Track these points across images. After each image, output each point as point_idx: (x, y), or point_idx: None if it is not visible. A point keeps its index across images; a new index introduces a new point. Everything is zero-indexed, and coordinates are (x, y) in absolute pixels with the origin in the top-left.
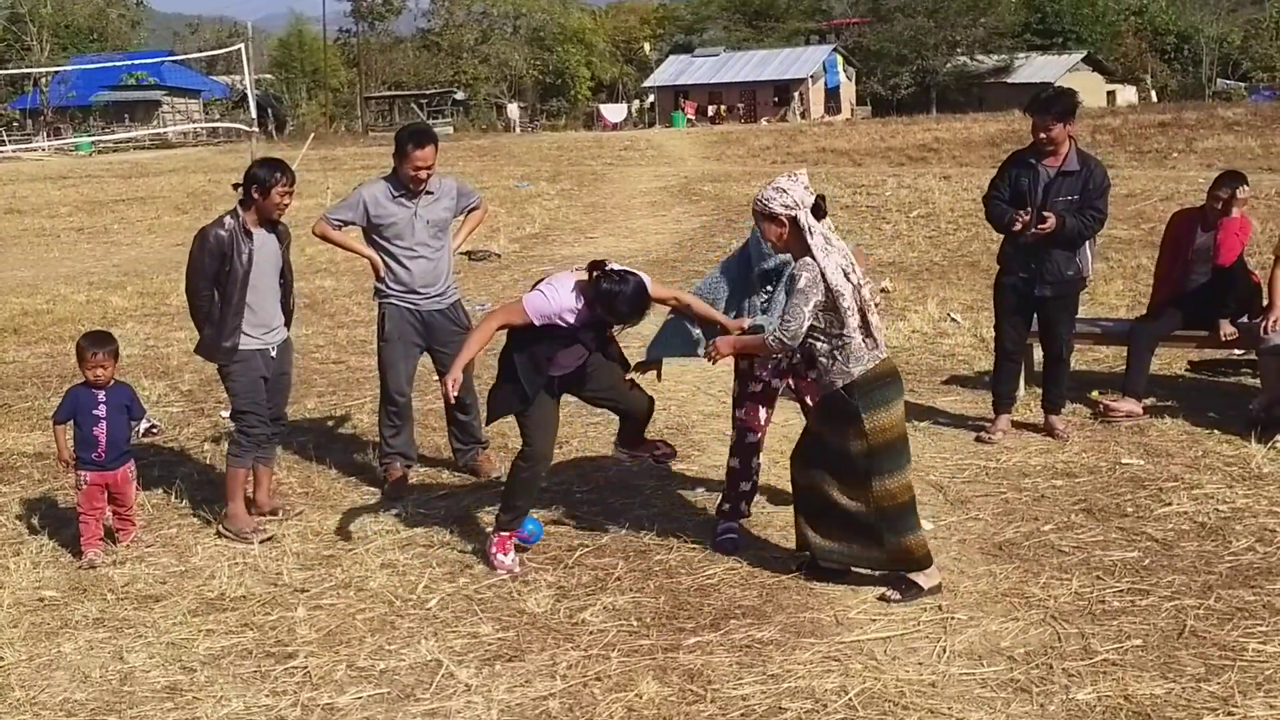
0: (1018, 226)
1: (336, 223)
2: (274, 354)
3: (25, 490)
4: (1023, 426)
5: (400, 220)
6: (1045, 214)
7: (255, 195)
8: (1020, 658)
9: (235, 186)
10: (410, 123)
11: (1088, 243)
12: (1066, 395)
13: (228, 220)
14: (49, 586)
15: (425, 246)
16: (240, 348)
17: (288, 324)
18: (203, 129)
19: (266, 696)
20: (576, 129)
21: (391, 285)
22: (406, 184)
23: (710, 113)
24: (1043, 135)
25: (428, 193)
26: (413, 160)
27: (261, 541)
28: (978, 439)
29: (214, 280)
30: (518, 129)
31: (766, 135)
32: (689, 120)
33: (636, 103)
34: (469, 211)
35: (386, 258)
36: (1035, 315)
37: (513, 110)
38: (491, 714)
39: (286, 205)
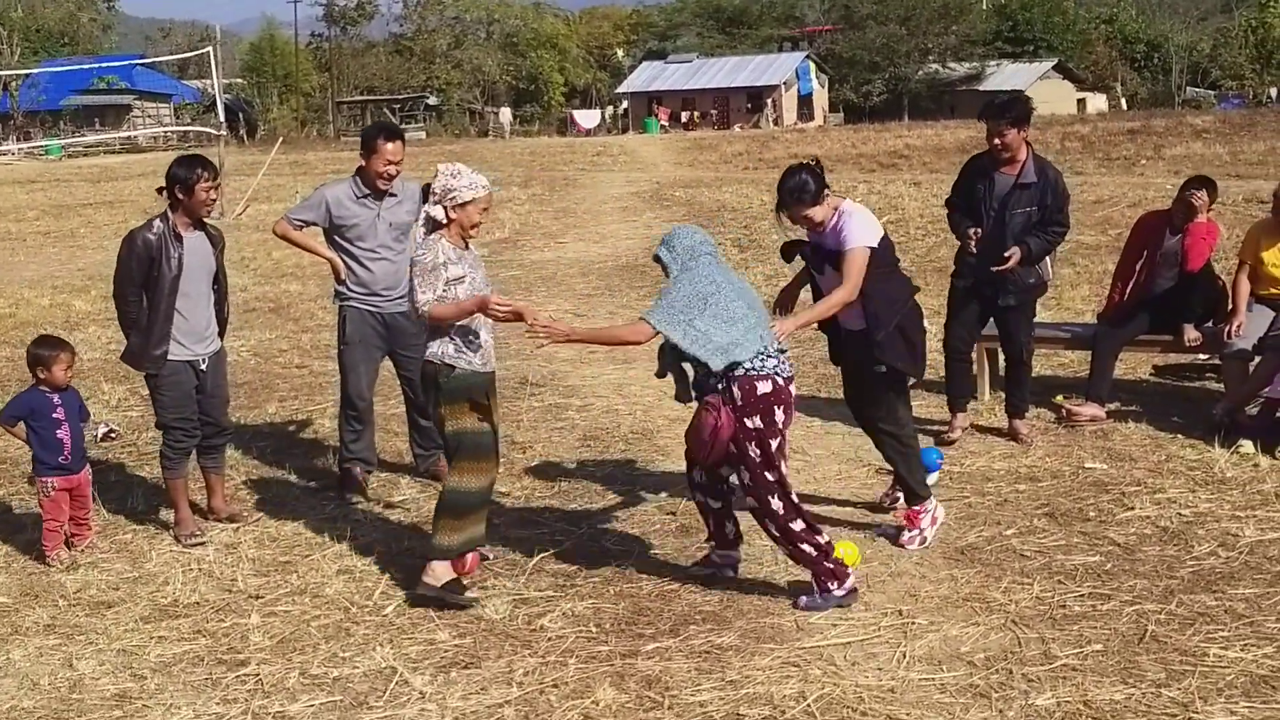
0: (971, 247)
1: (298, 223)
2: (204, 367)
3: None
4: (987, 431)
5: (363, 221)
6: (1009, 252)
7: (180, 195)
8: (980, 663)
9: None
10: (377, 121)
11: None
12: (1029, 399)
13: (157, 224)
14: (0, 593)
15: (387, 249)
16: (169, 358)
17: (221, 333)
18: (173, 133)
19: (217, 704)
20: (550, 134)
21: (353, 287)
22: (373, 182)
23: (683, 119)
24: (997, 141)
25: (390, 194)
26: (383, 155)
27: (189, 545)
28: (938, 441)
29: (142, 285)
30: (508, 133)
31: (739, 142)
32: (662, 126)
33: (610, 109)
34: None
35: (348, 259)
36: (992, 319)
37: (504, 115)
38: None
39: (213, 200)
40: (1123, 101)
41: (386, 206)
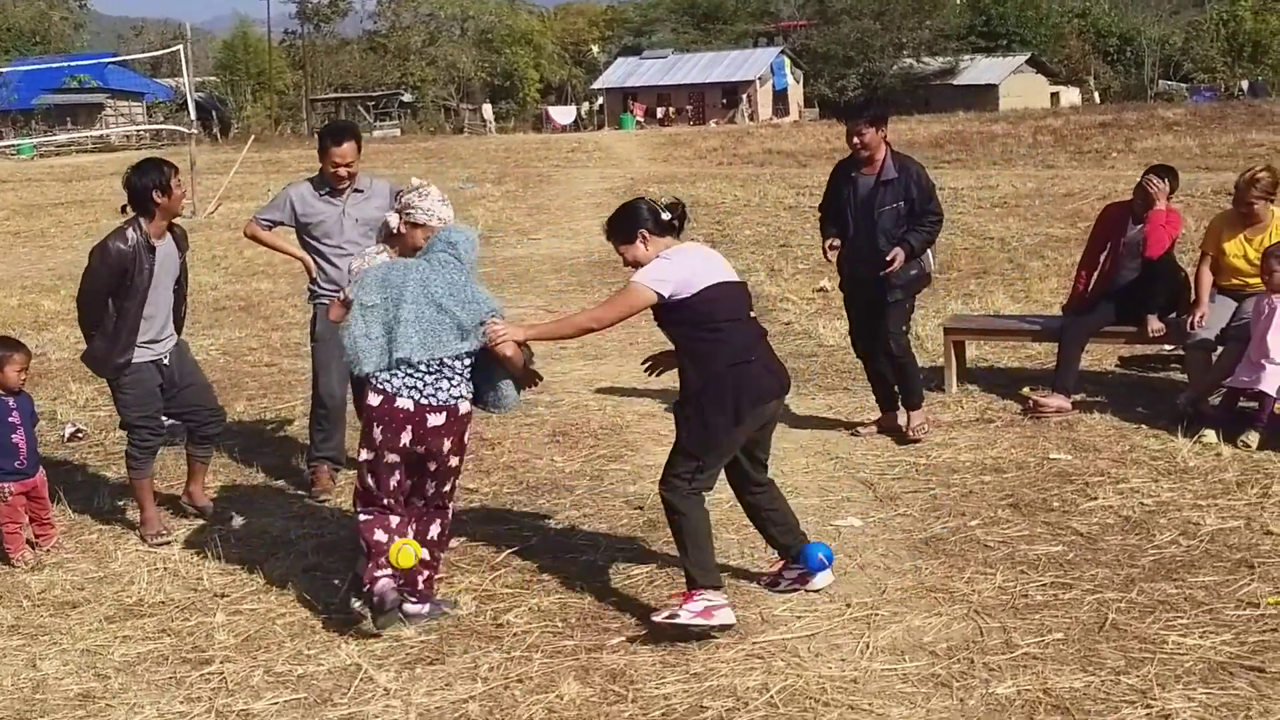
0: (830, 257)
1: (266, 223)
2: (167, 362)
3: None
4: (953, 424)
5: (328, 218)
6: (892, 254)
7: (159, 199)
8: (942, 652)
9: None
10: (331, 122)
11: None
12: (922, 390)
13: (130, 233)
14: None
15: (354, 245)
16: (133, 361)
17: (179, 329)
18: (145, 131)
19: (180, 703)
20: (525, 131)
21: (323, 285)
22: (330, 181)
23: (659, 115)
24: (856, 140)
25: (356, 190)
26: (331, 157)
27: (155, 545)
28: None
29: (111, 294)
30: (493, 130)
31: (714, 137)
32: (638, 122)
33: (585, 105)
34: None
35: (317, 257)
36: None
37: (487, 111)
38: (409, 717)
39: (183, 199)
40: (1095, 95)
41: (352, 203)
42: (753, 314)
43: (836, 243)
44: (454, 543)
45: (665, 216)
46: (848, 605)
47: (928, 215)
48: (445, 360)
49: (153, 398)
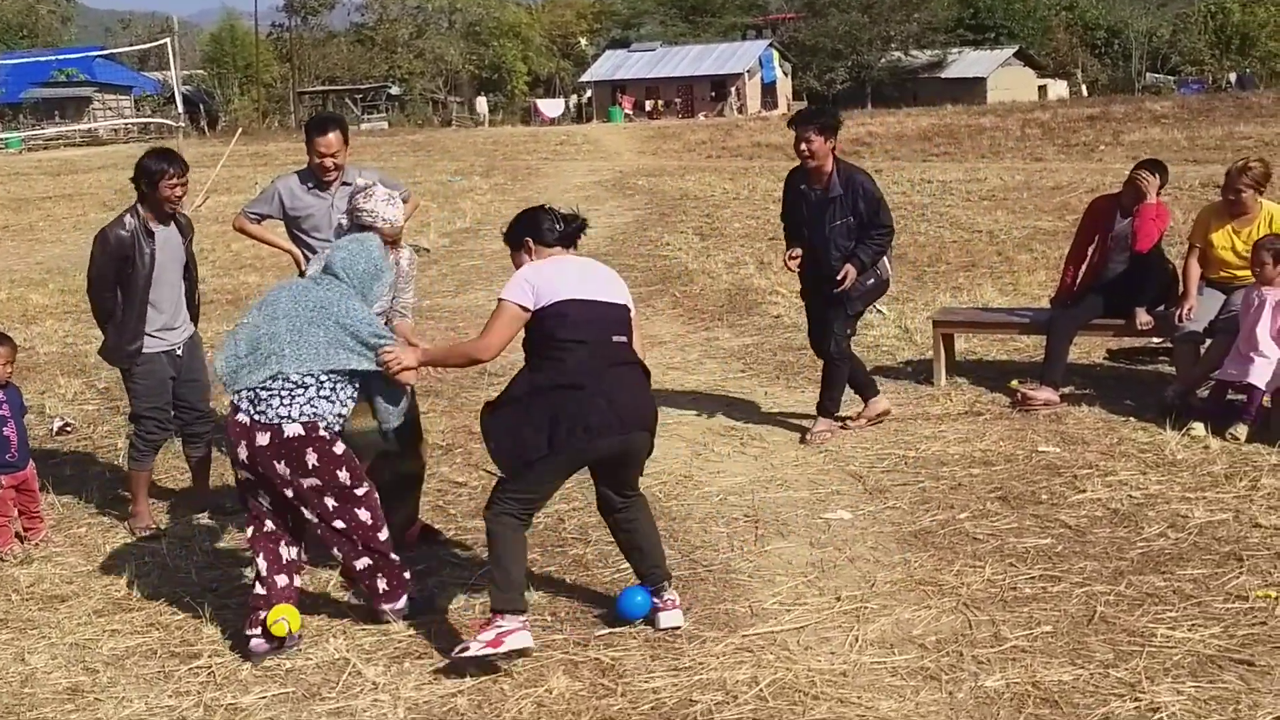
0: (791, 267)
1: (254, 216)
2: (180, 353)
3: None
4: (942, 417)
5: (317, 212)
6: (842, 273)
7: (144, 188)
8: (931, 646)
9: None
10: (316, 114)
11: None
12: (839, 401)
13: (128, 219)
14: None
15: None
16: (144, 350)
17: (195, 320)
18: (133, 125)
19: (169, 697)
20: (513, 124)
21: None
22: (317, 174)
23: (647, 108)
24: (803, 147)
25: (345, 184)
26: (316, 147)
27: (142, 537)
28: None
29: (116, 281)
30: (487, 123)
31: (703, 130)
32: (626, 115)
33: (574, 98)
34: None
35: (306, 250)
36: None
37: (481, 104)
38: (398, 712)
39: (178, 196)
40: (1083, 88)
41: (341, 196)
42: (620, 339)
43: (798, 253)
44: (444, 535)
45: (558, 228)
46: (837, 598)
47: (876, 229)
48: (290, 377)
49: (163, 388)
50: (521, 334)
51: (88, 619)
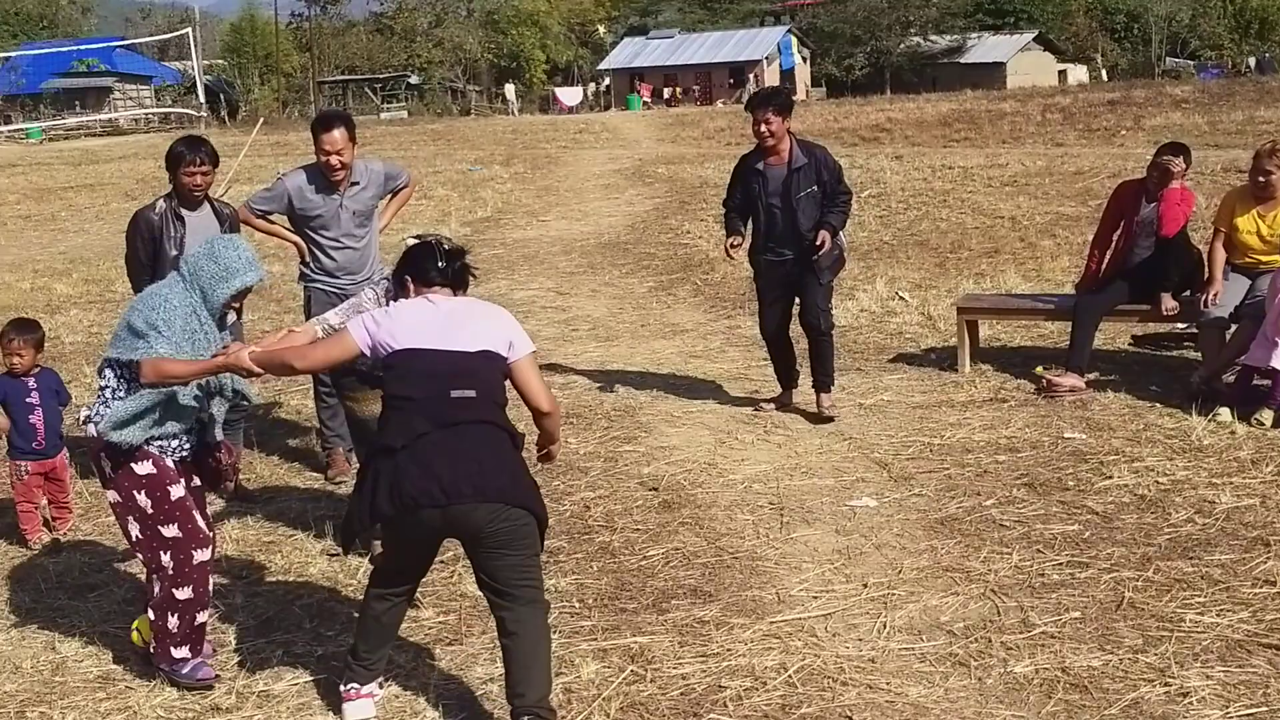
0: (732, 255)
1: (259, 211)
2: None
3: None
4: (967, 404)
5: (325, 212)
6: (820, 238)
7: (170, 173)
8: (959, 632)
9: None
10: (320, 111)
11: None
12: (834, 373)
13: (160, 203)
14: None
15: (351, 236)
16: None
17: (239, 311)
18: (154, 115)
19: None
20: (532, 112)
21: (316, 272)
22: (324, 172)
23: (666, 95)
24: (763, 128)
25: (354, 183)
26: (322, 145)
27: None
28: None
29: (150, 265)
30: (515, 111)
31: (722, 117)
32: (644, 103)
33: (592, 86)
34: (397, 191)
35: (313, 247)
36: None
37: (510, 91)
38: (430, 697)
39: (200, 185)
40: (1103, 73)
41: (349, 195)
42: (462, 393)
43: (738, 240)
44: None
45: (440, 265)
46: (864, 585)
47: (839, 195)
48: (103, 372)
49: None
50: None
51: (117, 608)
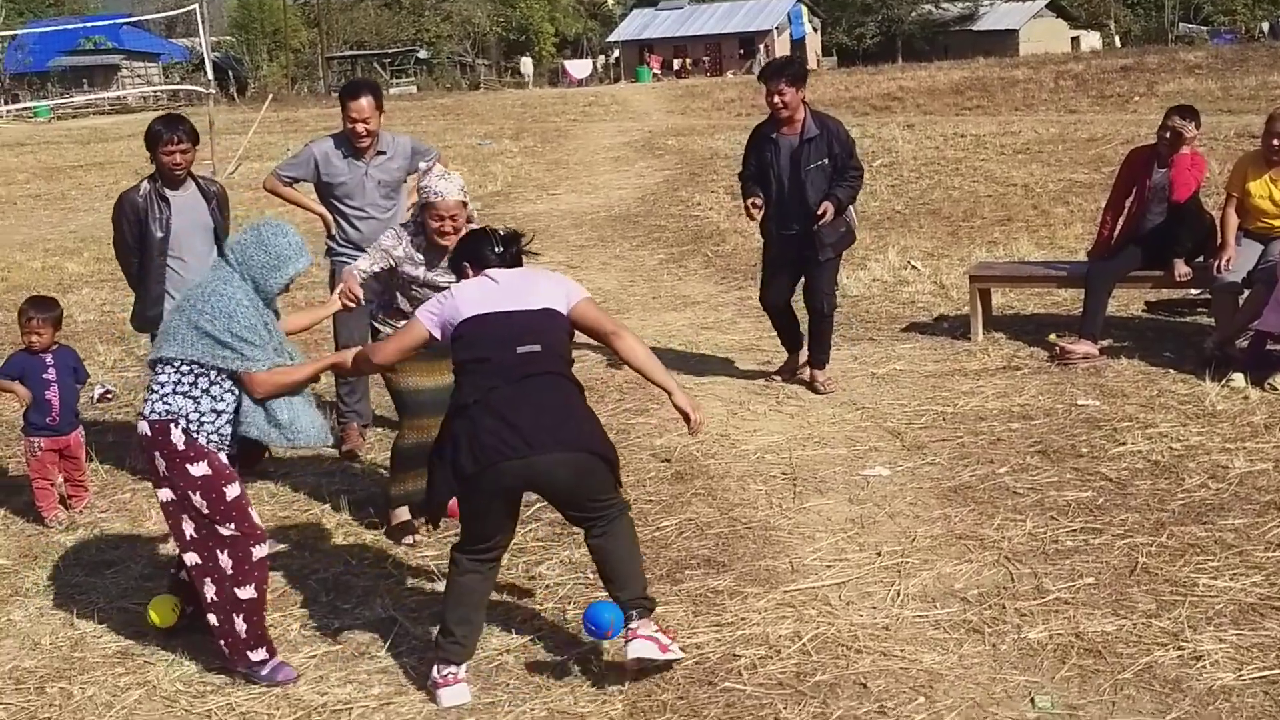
0: (753, 215)
1: (287, 179)
2: None
3: None
4: (980, 372)
5: (350, 180)
6: (822, 208)
7: (149, 153)
8: (973, 599)
9: None
10: (350, 79)
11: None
12: (829, 351)
13: (144, 185)
14: None
15: (376, 207)
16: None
17: None
18: (162, 92)
19: (219, 658)
20: (541, 85)
21: (342, 244)
22: (350, 139)
23: (675, 67)
24: (777, 99)
25: (379, 152)
26: (349, 112)
27: None
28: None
29: (138, 247)
30: (531, 84)
31: (732, 88)
32: (654, 75)
33: (601, 58)
34: (428, 170)
35: (338, 217)
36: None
37: (526, 64)
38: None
39: (180, 164)
40: (1116, 39)
41: (375, 164)
42: (528, 348)
43: (759, 201)
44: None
45: (497, 250)
46: (878, 554)
47: (849, 170)
48: (155, 370)
49: None
50: None
51: (135, 583)
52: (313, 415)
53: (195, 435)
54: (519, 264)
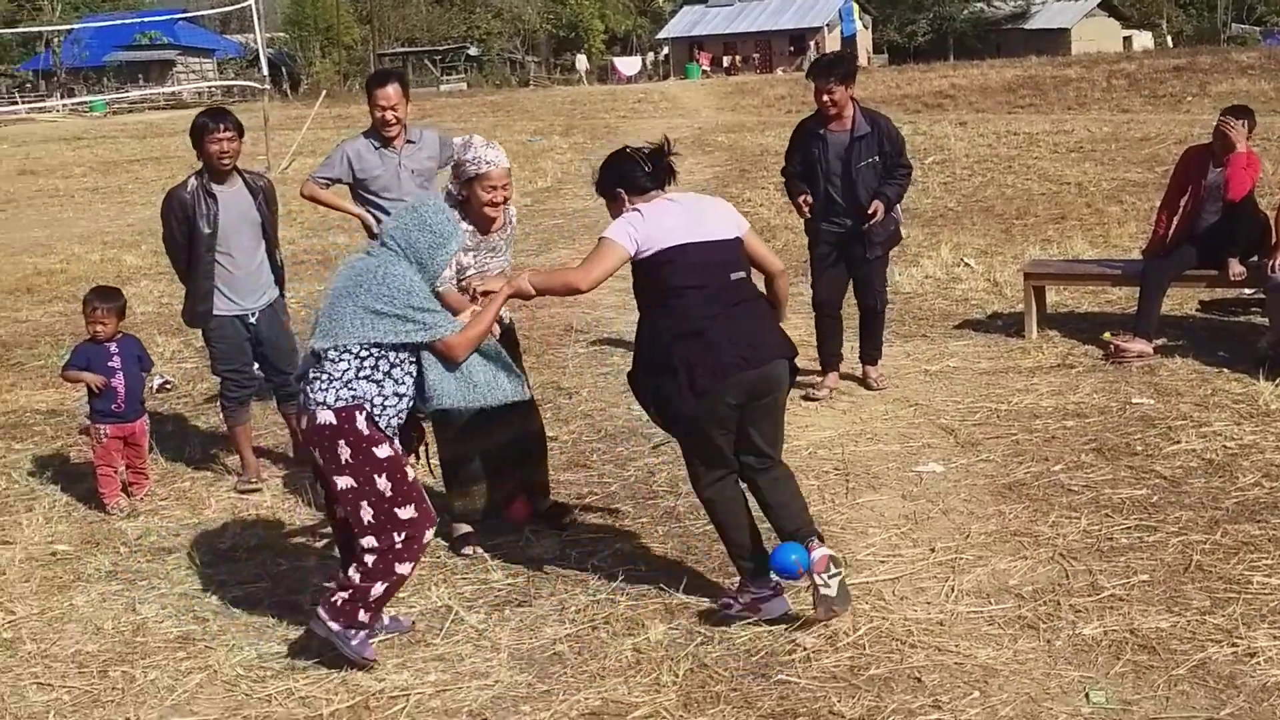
0: (805, 212)
1: (324, 181)
2: (254, 319)
3: (38, 447)
4: (1034, 370)
5: (385, 173)
6: (872, 208)
7: (196, 148)
8: (1028, 595)
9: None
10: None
11: None
12: (881, 348)
13: (191, 181)
14: (61, 541)
15: (413, 196)
16: (216, 312)
17: (279, 284)
18: (217, 88)
19: (278, 644)
20: (591, 82)
21: None
22: (379, 130)
23: (725, 64)
24: (826, 98)
25: (409, 141)
26: (376, 100)
27: (243, 491)
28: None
29: (187, 243)
30: (585, 81)
31: (782, 85)
32: (704, 72)
33: (651, 55)
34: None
35: (376, 211)
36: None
37: (581, 62)
38: (501, 657)
39: (228, 152)
40: (1168, 39)
41: (406, 154)
42: (737, 275)
43: (809, 198)
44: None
45: (646, 169)
46: (932, 550)
47: (900, 167)
48: (327, 354)
49: (239, 352)
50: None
51: (195, 570)
52: (510, 369)
53: (379, 419)
54: (672, 177)
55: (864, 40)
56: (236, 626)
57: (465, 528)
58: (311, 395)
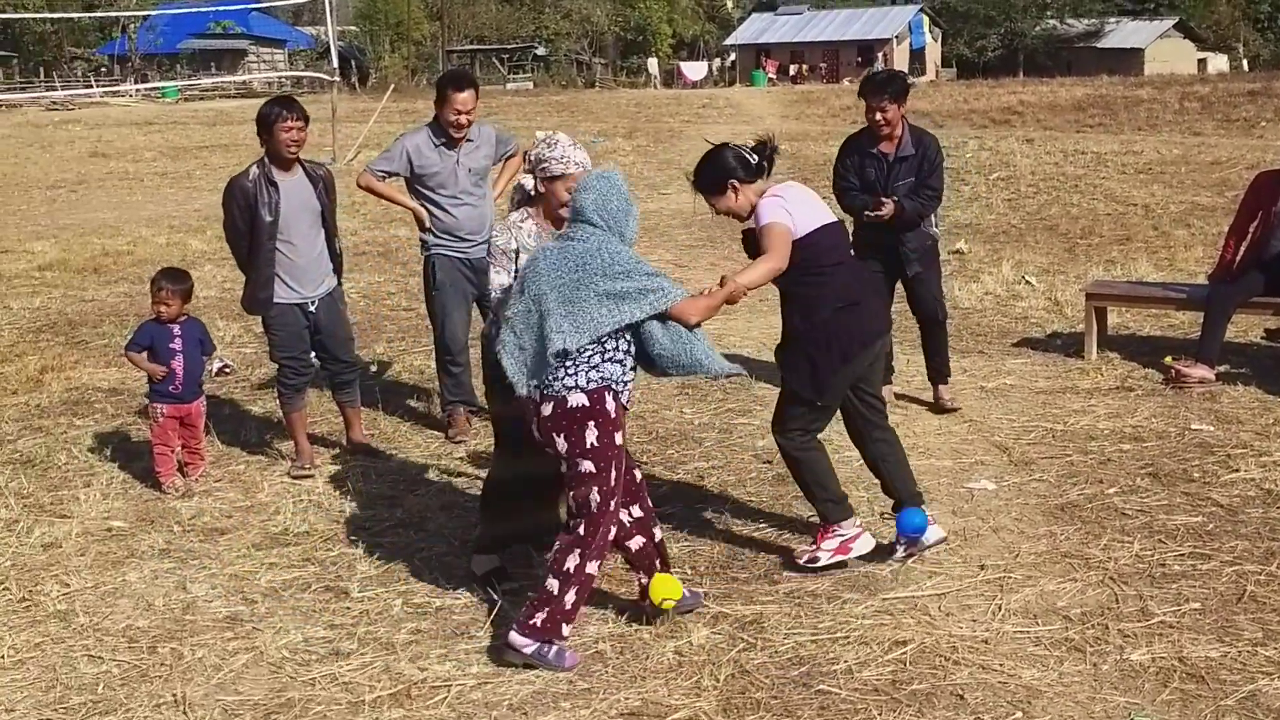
0: (871, 214)
1: (380, 174)
2: (314, 308)
3: (99, 424)
4: (1092, 391)
5: (443, 169)
6: (883, 200)
7: (263, 136)
8: (1076, 617)
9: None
10: (450, 70)
11: None
12: (949, 363)
13: (253, 170)
14: (117, 517)
15: (469, 194)
16: (276, 300)
17: (338, 272)
18: (287, 79)
19: (324, 629)
20: (656, 86)
21: (439, 235)
22: (447, 130)
23: (791, 72)
24: (878, 117)
25: (468, 140)
26: (453, 104)
27: (296, 476)
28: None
29: (249, 231)
30: (657, 85)
31: (848, 95)
32: (770, 79)
33: (717, 61)
34: (507, 159)
35: (431, 207)
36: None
37: (653, 64)
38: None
39: (297, 139)
40: (1244, 62)
41: (465, 152)
42: (852, 250)
43: (880, 199)
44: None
45: (753, 161)
46: (980, 568)
47: (925, 189)
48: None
49: (297, 339)
50: None
51: (246, 552)
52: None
53: (622, 397)
54: (772, 168)
55: (933, 53)
56: (284, 609)
57: (495, 561)
58: (558, 380)
